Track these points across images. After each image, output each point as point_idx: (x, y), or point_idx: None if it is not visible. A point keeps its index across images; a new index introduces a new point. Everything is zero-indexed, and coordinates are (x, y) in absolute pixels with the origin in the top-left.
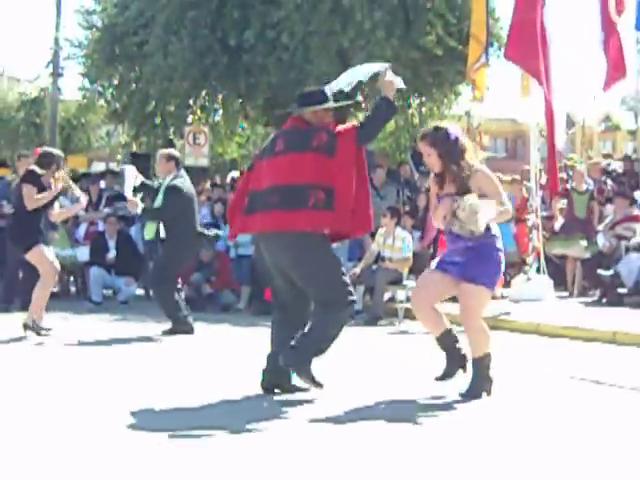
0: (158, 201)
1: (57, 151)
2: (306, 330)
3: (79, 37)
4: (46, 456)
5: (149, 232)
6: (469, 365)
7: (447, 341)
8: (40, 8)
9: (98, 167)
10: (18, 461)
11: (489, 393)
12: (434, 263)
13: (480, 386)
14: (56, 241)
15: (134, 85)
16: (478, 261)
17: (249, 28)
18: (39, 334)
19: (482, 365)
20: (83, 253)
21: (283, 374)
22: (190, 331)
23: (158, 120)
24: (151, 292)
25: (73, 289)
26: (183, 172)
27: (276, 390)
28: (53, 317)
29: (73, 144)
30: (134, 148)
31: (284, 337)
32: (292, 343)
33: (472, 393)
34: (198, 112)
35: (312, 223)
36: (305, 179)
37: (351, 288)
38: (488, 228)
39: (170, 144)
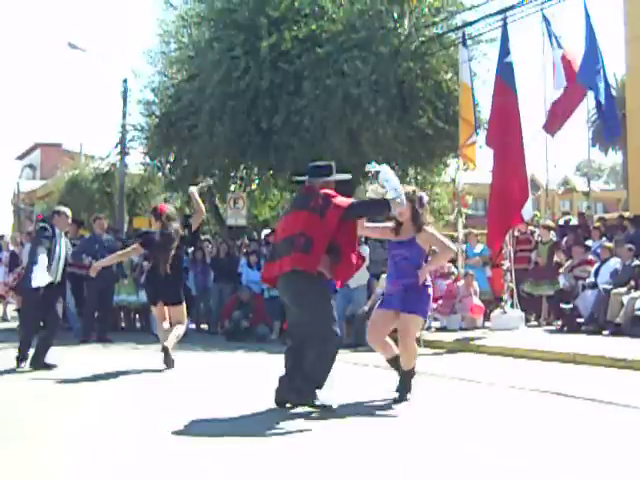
0: None
1: None
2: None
3: (141, 123)
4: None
5: None
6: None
7: (396, 364)
8: (110, 99)
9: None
10: None
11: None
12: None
13: (406, 392)
14: (125, 287)
15: (186, 161)
16: (415, 298)
17: (277, 114)
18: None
19: (409, 376)
20: None
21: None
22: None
23: (206, 189)
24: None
25: (138, 325)
26: None
27: (287, 405)
28: (125, 347)
29: (137, 208)
30: (187, 211)
31: (293, 363)
32: (293, 384)
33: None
34: (238, 182)
35: (296, 263)
36: (297, 230)
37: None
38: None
39: (215, 208)
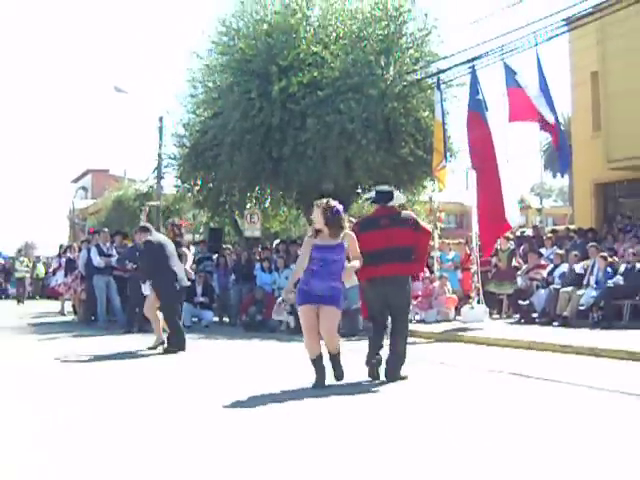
0: None
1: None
2: (394, 350)
3: (174, 152)
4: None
5: None
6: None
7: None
8: (148, 133)
9: (187, 237)
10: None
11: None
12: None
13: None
14: None
15: (211, 184)
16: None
17: (286, 145)
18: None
19: (339, 358)
20: None
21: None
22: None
23: (227, 206)
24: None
25: None
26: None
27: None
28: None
29: None
30: (211, 225)
31: (379, 344)
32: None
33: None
34: (253, 201)
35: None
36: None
37: None
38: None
39: (235, 222)
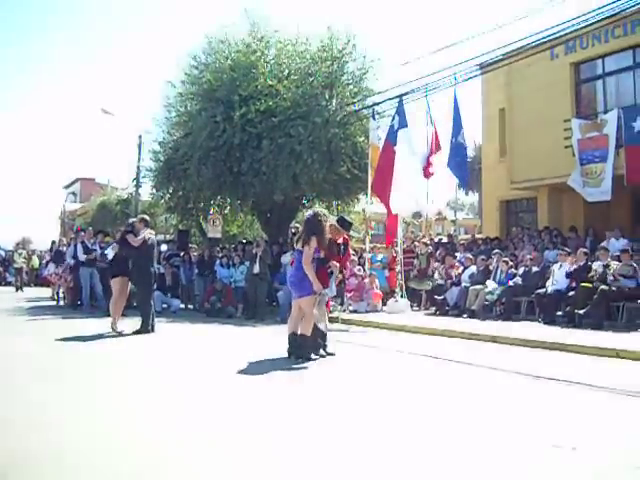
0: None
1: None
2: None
3: (151, 165)
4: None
5: None
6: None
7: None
8: (129, 148)
9: (159, 237)
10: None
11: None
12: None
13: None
14: None
15: (181, 192)
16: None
17: (244, 162)
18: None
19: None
20: None
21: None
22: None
23: (194, 212)
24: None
25: None
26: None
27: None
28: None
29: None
30: (180, 227)
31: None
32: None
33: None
34: (216, 207)
35: None
36: None
37: None
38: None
39: (200, 226)
